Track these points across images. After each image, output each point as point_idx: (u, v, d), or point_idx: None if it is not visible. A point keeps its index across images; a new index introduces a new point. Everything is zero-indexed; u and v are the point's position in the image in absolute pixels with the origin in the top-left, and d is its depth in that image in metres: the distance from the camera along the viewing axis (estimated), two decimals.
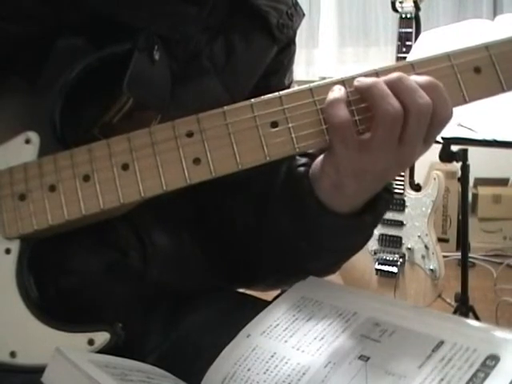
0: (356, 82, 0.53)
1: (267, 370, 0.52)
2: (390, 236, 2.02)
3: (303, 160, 0.59)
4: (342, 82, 0.53)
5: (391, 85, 0.51)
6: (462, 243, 1.84)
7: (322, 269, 0.64)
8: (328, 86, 0.53)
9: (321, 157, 0.57)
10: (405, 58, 1.86)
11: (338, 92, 0.52)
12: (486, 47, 0.54)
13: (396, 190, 2.00)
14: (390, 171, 0.54)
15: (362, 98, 0.52)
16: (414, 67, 0.53)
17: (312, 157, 0.59)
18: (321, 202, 0.56)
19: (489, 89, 0.53)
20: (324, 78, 0.55)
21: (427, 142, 0.53)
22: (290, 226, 0.60)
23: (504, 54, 0.53)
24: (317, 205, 0.57)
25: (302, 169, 0.58)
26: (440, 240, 2.16)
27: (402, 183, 1.99)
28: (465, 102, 0.53)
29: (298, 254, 0.61)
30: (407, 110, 0.50)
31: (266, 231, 0.63)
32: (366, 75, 0.53)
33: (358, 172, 0.53)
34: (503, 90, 0.53)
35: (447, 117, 0.52)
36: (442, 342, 0.49)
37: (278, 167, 0.61)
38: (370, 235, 0.63)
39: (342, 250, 0.63)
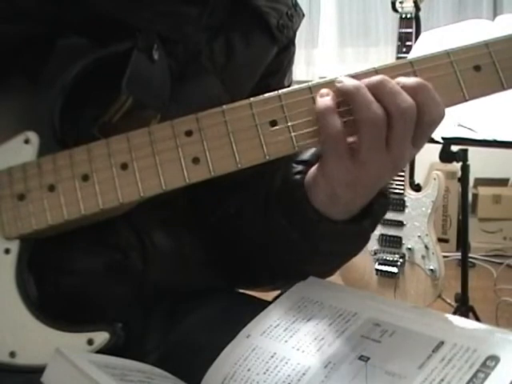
0: (338, 84, 0.52)
1: (267, 370, 0.51)
2: (390, 236, 2.02)
3: (299, 168, 0.59)
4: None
5: (373, 88, 0.50)
6: (462, 243, 1.84)
7: (321, 272, 0.64)
8: (327, 85, 0.53)
9: (314, 167, 0.57)
10: (405, 58, 1.86)
11: (327, 100, 0.52)
12: (486, 45, 0.53)
13: (396, 190, 2.00)
14: (381, 177, 0.54)
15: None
16: (413, 65, 0.53)
17: (308, 164, 0.58)
18: (317, 210, 0.56)
19: (489, 87, 0.53)
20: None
21: (418, 143, 0.52)
22: (293, 231, 0.59)
23: (504, 51, 0.53)
24: (313, 212, 0.56)
25: (298, 177, 0.58)
26: (440, 240, 2.16)
27: (402, 183, 1.99)
28: (464, 100, 0.53)
29: (297, 257, 0.61)
30: (390, 115, 0.50)
31: (264, 233, 0.63)
32: (364, 74, 0.53)
33: (350, 182, 0.53)
34: (503, 88, 0.53)
35: (437, 117, 0.51)
36: (442, 343, 0.49)
37: (275, 172, 0.61)
38: (367, 239, 0.62)
39: (341, 255, 0.63)
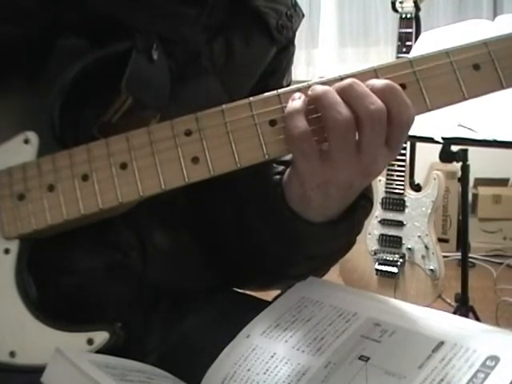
0: (309, 91, 0.51)
1: (267, 370, 0.52)
2: (390, 236, 2.02)
3: (280, 168, 0.58)
4: (341, 79, 0.53)
5: (341, 92, 0.50)
6: (462, 243, 1.84)
7: (304, 274, 0.63)
8: (325, 84, 0.53)
9: (289, 168, 0.56)
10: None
11: (297, 102, 0.51)
12: (485, 44, 0.53)
13: (396, 190, 2.00)
14: (354, 181, 0.52)
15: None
16: (412, 64, 0.53)
17: (288, 165, 0.57)
18: (293, 210, 0.56)
19: (488, 85, 0.53)
20: None
21: (391, 147, 0.51)
22: (267, 232, 0.59)
23: (503, 50, 0.53)
24: (290, 213, 0.56)
25: (277, 177, 0.58)
26: (440, 240, 2.16)
27: (402, 183, 2.00)
28: (464, 98, 0.53)
29: (276, 258, 0.61)
30: (359, 117, 0.49)
31: (244, 234, 0.62)
32: (363, 73, 0.52)
33: (321, 184, 0.52)
34: (502, 87, 0.53)
35: (407, 120, 0.50)
36: (442, 343, 0.49)
37: (256, 172, 0.60)
38: (350, 242, 0.62)
39: (320, 257, 0.62)
